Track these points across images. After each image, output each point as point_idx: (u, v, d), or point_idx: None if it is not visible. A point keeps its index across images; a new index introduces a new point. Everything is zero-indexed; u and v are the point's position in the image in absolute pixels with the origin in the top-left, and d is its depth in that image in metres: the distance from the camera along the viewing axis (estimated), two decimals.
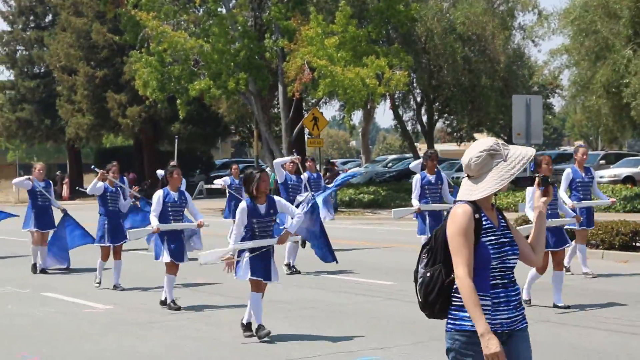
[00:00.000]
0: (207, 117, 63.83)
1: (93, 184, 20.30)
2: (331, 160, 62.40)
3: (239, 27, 47.39)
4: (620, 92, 44.10)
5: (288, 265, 21.73)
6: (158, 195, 16.12)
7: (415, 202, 19.46)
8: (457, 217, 6.77)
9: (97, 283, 19.85)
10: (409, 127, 66.00)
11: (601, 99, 46.69)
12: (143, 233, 17.37)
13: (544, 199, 7.07)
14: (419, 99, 62.02)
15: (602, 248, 23.96)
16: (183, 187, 19.05)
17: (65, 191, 71.28)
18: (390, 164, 69.55)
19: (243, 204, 13.33)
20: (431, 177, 19.90)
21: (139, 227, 22.33)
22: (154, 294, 19.03)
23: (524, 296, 15.40)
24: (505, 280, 6.93)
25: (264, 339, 13.38)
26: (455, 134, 72.08)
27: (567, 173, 19.69)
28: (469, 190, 6.88)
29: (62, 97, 68.96)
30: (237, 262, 13.47)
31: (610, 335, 14.39)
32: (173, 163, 22.13)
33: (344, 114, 51.73)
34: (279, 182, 23.26)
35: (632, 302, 17.33)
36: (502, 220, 7.10)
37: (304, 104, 51.60)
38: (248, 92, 48.04)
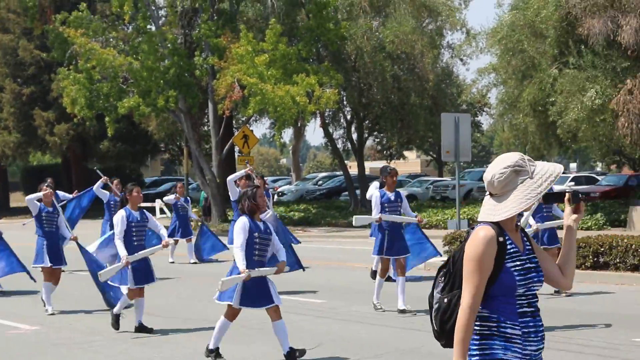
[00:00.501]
0: (137, 135, 63.70)
1: (36, 197, 19.34)
2: (263, 177, 62.54)
3: (169, 45, 47.41)
4: (547, 110, 44.59)
5: None
6: (121, 216, 15.41)
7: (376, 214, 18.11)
8: (477, 241, 6.26)
9: (47, 310, 18.76)
10: (339, 145, 66.13)
11: (528, 117, 47.04)
12: (114, 271, 15.71)
13: (574, 216, 6.66)
14: (349, 117, 62.20)
15: None
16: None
17: None
18: (321, 182, 70.18)
19: (244, 219, 12.71)
20: (391, 195, 18.81)
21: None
22: (81, 316, 18.83)
23: None
24: (533, 309, 6.54)
25: None
26: (385, 151, 72.72)
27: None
28: (492, 210, 6.41)
29: None
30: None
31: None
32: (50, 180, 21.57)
33: (274, 131, 51.75)
34: (232, 199, 21.83)
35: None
36: (527, 243, 6.65)
37: (234, 122, 51.86)
38: (178, 109, 47.97)
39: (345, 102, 58.38)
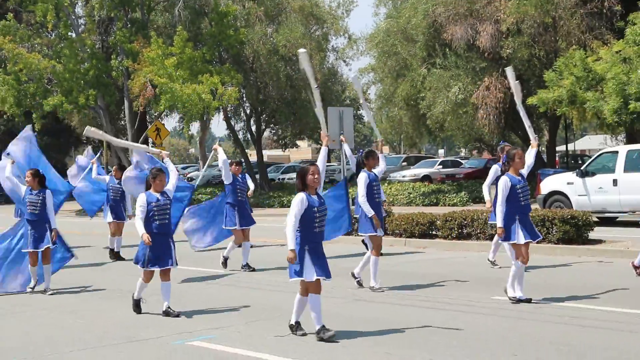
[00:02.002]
0: (61, 129, 63.35)
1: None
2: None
3: (88, 50, 47.76)
4: (418, 105, 46.40)
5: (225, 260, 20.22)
6: (144, 198, 14.07)
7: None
8: None
9: (31, 288, 17.82)
10: (240, 136, 66.31)
11: (402, 110, 49.35)
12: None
13: None
14: (248, 112, 62.16)
15: (405, 236, 24.82)
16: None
17: None
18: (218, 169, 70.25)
19: (301, 195, 11.78)
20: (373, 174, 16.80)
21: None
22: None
23: (517, 294, 14.17)
24: None
25: (330, 339, 11.53)
26: (280, 141, 73.16)
27: (495, 169, 18.55)
28: None
29: None
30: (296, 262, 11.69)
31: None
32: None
33: (183, 125, 51.56)
34: (225, 182, 20.93)
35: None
36: None
37: (147, 117, 52.05)
38: (97, 106, 48.54)
39: (244, 99, 58.33)
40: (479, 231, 22.81)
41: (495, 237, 18.07)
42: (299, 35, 55.70)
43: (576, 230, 21.13)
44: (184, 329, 13.24)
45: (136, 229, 13.96)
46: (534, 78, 40.78)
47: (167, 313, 14.26)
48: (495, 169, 18.42)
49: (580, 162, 59.10)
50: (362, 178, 16.47)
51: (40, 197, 17.51)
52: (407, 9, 46.53)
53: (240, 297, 16.24)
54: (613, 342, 11.08)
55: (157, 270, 14.35)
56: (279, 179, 69.37)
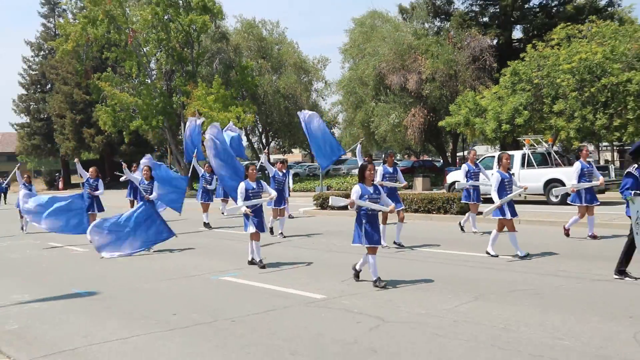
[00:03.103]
0: (141, 141, 62.78)
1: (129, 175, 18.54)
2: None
3: (158, 90, 47.47)
4: (369, 126, 46.47)
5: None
6: (243, 186, 12.88)
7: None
8: None
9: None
10: (255, 145, 67.26)
11: (359, 129, 49.44)
12: (236, 210, 13.37)
13: None
14: (260, 129, 63.01)
15: None
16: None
17: (60, 184, 72.18)
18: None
19: (357, 186, 10.59)
20: (390, 169, 15.54)
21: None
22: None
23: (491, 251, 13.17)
24: None
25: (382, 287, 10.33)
26: (281, 148, 72.77)
27: (464, 167, 17.62)
28: None
29: (57, 131, 68.24)
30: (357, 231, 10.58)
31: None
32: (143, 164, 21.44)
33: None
34: (270, 175, 19.52)
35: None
36: None
37: None
38: (164, 127, 48.17)
39: (258, 121, 58.86)
40: (407, 206, 22.19)
41: (467, 213, 17.78)
42: (293, 81, 56.42)
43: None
44: (219, 269, 13.04)
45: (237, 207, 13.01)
46: (443, 109, 40.89)
47: (255, 262, 13.21)
48: (464, 168, 17.64)
49: None
50: (380, 170, 15.67)
51: (150, 186, 17.25)
52: (362, 64, 46.74)
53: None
54: (488, 274, 11.17)
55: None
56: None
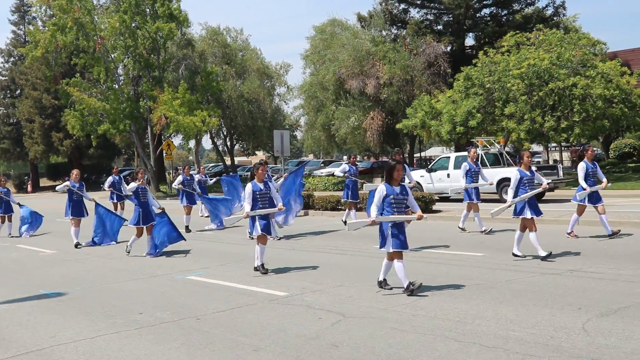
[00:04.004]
0: (109, 145, 62.02)
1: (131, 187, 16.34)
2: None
3: (125, 95, 46.85)
4: (330, 129, 46.83)
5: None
6: (250, 188, 11.75)
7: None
8: None
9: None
10: (221, 148, 67.20)
11: (321, 132, 49.57)
12: (235, 219, 12.76)
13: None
14: (225, 133, 62.38)
15: (321, 210, 24.67)
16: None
17: (29, 188, 70.73)
18: (210, 169, 70.51)
19: (382, 187, 9.56)
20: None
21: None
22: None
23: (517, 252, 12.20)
24: None
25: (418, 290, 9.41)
26: (245, 151, 72.53)
27: (464, 165, 16.65)
28: None
29: (26, 135, 67.17)
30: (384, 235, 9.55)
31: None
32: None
33: (184, 141, 52.33)
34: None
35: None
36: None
37: (162, 137, 52.27)
38: (131, 131, 47.45)
39: (223, 125, 58.41)
40: (365, 207, 22.42)
41: (464, 211, 16.99)
42: (256, 85, 56.30)
43: (425, 204, 21.27)
44: (184, 268, 12.96)
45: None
46: (400, 112, 41.10)
47: (258, 269, 11.95)
48: (464, 166, 16.79)
49: (428, 163, 59.60)
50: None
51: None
52: (323, 70, 46.75)
53: (218, 249, 15.88)
54: (444, 269, 11.17)
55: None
56: (244, 174, 69.29)
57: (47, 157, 69.25)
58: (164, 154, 47.02)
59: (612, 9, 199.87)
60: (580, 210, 14.50)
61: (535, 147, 65.46)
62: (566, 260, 11.53)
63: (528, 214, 12.03)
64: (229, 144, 63.76)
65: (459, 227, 16.98)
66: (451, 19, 45.33)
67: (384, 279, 9.93)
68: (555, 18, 44.20)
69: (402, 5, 46.78)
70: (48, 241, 19.35)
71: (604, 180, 14.46)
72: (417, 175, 29.12)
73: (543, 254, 11.62)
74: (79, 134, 48.60)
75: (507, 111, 31.32)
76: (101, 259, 15.23)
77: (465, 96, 33.61)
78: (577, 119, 29.91)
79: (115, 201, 24.89)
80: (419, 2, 46.45)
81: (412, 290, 9.31)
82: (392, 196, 9.44)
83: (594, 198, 14.26)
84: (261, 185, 11.92)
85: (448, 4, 43.65)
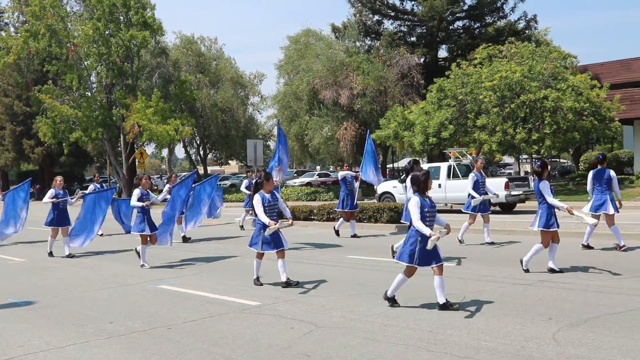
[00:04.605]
0: (81, 153, 61.72)
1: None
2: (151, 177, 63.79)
3: (98, 103, 46.76)
4: (303, 139, 46.63)
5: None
6: (258, 197, 10.97)
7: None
8: None
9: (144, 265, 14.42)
10: (193, 157, 66.92)
11: (294, 142, 49.43)
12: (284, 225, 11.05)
13: None
14: (198, 142, 62.36)
15: (294, 219, 24.64)
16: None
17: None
18: (182, 176, 69.72)
19: (416, 198, 8.87)
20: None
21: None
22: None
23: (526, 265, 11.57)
24: None
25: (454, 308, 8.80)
26: (218, 160, 72.44)
27: (472, 176, 15.92)
28: None
29: None
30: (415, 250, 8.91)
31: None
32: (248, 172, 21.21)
33: (157, 150, 52.16)
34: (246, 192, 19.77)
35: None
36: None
37: (135, 145, 52.19)
38: (103, 139, 47.42)
39: (196, 134, 58.72)
40: (338, 216, 21.89)
41: (464, 225, 16.24)
42: (230, 95, 56.29)
43: (397, 215, 21.31)
44: (156, 277, 12.87)
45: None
46: (373, 123, 41.18)
47: (287, 284, 11.05)
48: (472, 177, 16.08)
49: (400, 174, 59.82)
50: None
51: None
52: (297, 80, 46.68)
53: (191, 258, 15.75)
54: (416, 280, 11.15)
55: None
56: (217, 184, 69.11)
57: (18, 165, 68.37)
58: (137, 163, 46.84)
59: (583, 24, 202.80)
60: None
61: (507, 159, 66.06)
62: (537, 271, 11.58)
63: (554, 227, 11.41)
64: (202, 153, 63.62)
65: (487, 242, 16.05)
66: (424, 31, 45.62)
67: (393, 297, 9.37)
68: (527, 31, 44.67)
69: (376, 17, 46.99)
70: (18, 249, 19.08)
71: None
72: (390, 185, 29.19)
73: (525, 267, 11.53)
74: (50, 142, 48.48)
75: (479, 123, 31.55)
76: (72, 267, 15.03)
77: (438, 107, 33.81)
78: (548, 131, 30.20)
79: None
80: (392, 14, 46.70)
81: (455, 308, 8.84)
82: (426, 209, 8.89)
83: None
84: (269, 196, 11.14)
85: (421, 16, 43.93)
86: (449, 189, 26.30)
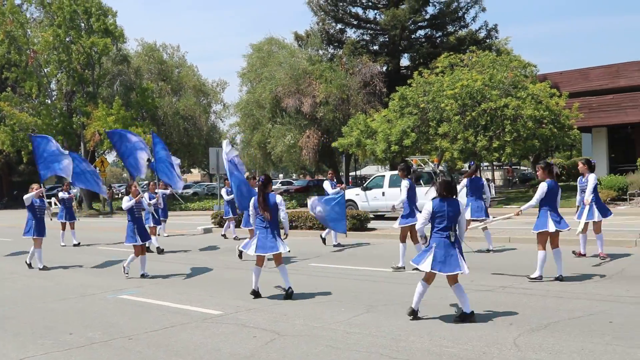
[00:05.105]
0: None
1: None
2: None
3: (58, 111, 46.40)
4: (266, 147, 46.82)
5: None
6: (252, 201, 10.63)
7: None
8: None
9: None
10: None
11: (257, 150, 49.52)
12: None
13: None
14: None
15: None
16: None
17: None
18: (145, 186, 69.27)
19: (430, 204, 8.51)
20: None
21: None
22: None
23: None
24: None
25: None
26: (180, 168, 72.77)
27: (462, 183, 15.53)
28: None
29: None
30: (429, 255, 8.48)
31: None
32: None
33: (118, 158, 51.73)
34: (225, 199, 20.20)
35: None
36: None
37: (96, 154, 51.69)
38: (64, 146, 46.48)
39: None
40: (302, 224, 22.54)
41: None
42: (192, 102, 56.15)
43: (360, 222, 21.37)
44: (117, 287, 12.71)
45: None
46: (336, 131, 41.35)
47: (289, 295, 10.58)
48: (463, 182, 15.73)
49: (363, 182, 60.05)
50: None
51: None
52: (260, 88, 46.80)
53: (153, 268, 15.49)
54: (379, 287, 11.19)
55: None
56: (180, 192, 68.93)
57: None
58: (98, 171, 46.21)
59: (543, 34, 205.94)
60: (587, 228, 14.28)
61: (467, 167, 66.55)
62: (498, 277, 11.68)
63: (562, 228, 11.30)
64: None
65: (488, 249, 15.57)
66: (387, 39, 45.94)
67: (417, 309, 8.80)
68: (487, 40, 45.26)
69: (339, 26, 47.21)
70: None
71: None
72: (353, 193, 29.28)
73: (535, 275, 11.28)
74: (9, 150, 47.80)
75: (440, 130, 31.81)
76: (30, 277, 14.77)
77: (400, 115, 34.01)
78: (509, 139, 30.56)
79: (65, 221, 22.32)
80: (355, 23, 46.97)
81: (472, 320, 8.44)
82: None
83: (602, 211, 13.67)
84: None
85: (384, 25, 44.23)
86: (389, 197, 27.01)
